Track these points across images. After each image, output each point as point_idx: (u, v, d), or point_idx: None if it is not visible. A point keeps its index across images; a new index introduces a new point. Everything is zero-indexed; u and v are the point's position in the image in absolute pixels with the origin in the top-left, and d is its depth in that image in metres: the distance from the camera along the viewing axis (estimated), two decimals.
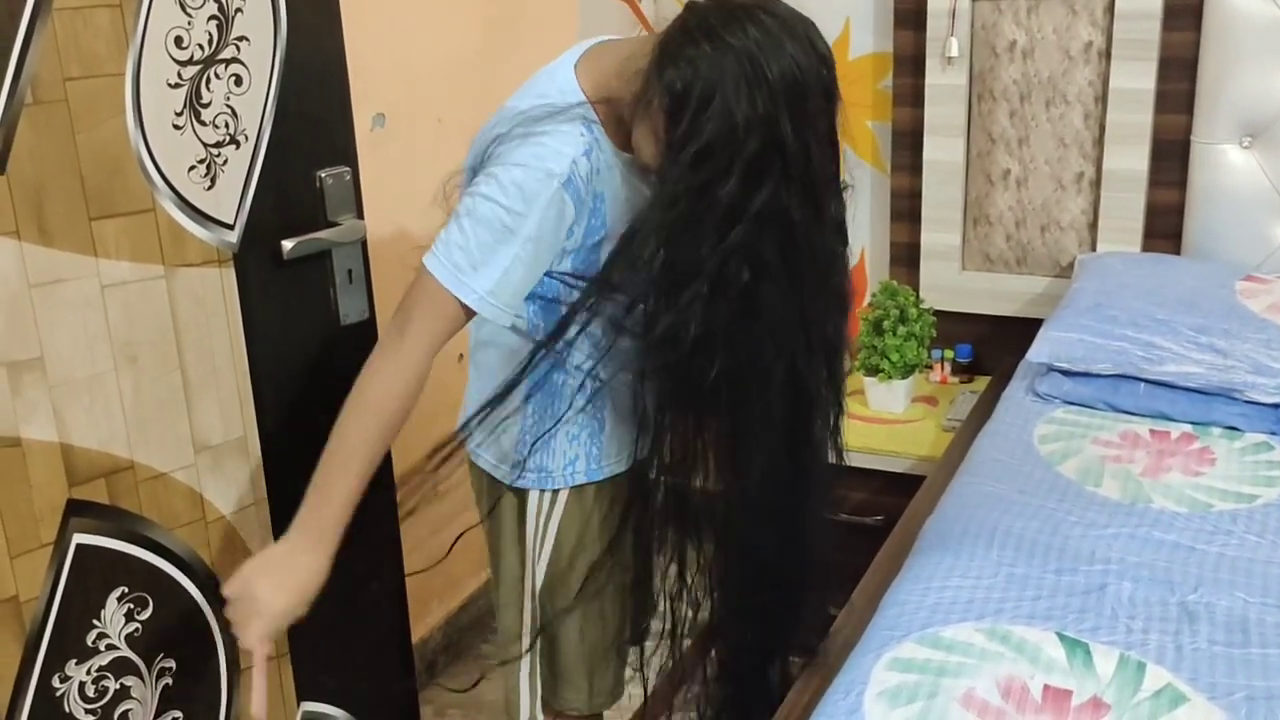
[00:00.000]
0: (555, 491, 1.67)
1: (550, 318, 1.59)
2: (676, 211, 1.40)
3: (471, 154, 1.58)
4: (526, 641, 1.74)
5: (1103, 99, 2.55)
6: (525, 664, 1.75)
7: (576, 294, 1.57)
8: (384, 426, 1.48)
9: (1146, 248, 2.60)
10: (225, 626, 1.71)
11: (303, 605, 1.45)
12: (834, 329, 1.54)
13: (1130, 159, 2.54)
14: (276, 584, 1.43)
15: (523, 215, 1.43)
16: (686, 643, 1.72)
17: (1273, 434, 2.00)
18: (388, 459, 1.93)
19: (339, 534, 1.47)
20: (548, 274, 1.55)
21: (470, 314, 1.47)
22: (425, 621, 2.65)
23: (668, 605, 1.69)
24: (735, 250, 1.40)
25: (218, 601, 1.70)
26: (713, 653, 1.75)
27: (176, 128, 1.55)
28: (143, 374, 1.58)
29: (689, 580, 1.67)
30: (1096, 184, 2.60)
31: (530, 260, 1.47)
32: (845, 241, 1.53)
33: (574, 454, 1.66)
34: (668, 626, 1.70)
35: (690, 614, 1.70)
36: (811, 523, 1.67)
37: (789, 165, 1.38)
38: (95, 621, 1.57)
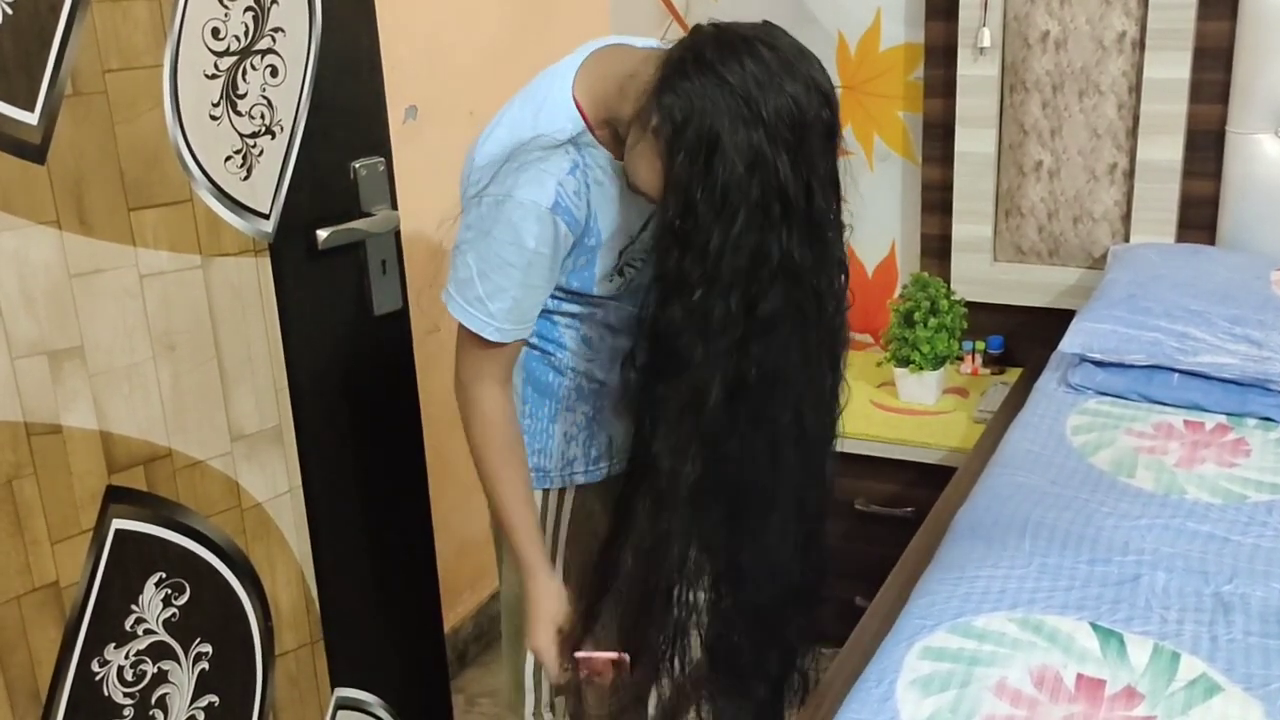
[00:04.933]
0: (561, 490, 1.68)
1: (543, 319, 1.59)
2: (679, 254, 1.38)
3: (466, 167, 1.58)
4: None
5: (1136, 89, 2.53)
6: (530, 660, 1.75)
7: (565, 303, 1.58)
8: (504, 456, 1.57)
9: (1180, 239, 2.58)
10: (263, 614, 1.73)
11: (550, 626, 1.61)
12: (834, 364, 1.53)
13: (1164, 149, 2.52)
14: (529, 627, 1.64)
15: (519, 247, 1.45)
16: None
17: None
18: (419, 446, 1.95)
19: (539, 556, 1.61)
20: None
21: (499, 344, 1.51)
22: (456, 611, 2.66)
23: (681, 598, 1.68)
24: (743, 299, 1.38)
25: (253, 587, 1.72)
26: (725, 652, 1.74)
27: (213, 119, 1.57)
28: (180, 363, 1.60)
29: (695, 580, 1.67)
30: (1130, 175, 2.59)
31: (536, 285, 1.49)
32: (846, 276, 1.49)
33: (571, 454, 1.66)
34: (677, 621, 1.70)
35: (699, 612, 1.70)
36: (811, 530, 1.65)
37: (791, 210, 1.35)
38: (134, 606, 1.59)
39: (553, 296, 1.57)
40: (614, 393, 1.64)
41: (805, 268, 1.39)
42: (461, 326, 1.51)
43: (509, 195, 1.44)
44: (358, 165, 1.75)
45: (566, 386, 1.63)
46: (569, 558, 1.70)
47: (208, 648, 1.68)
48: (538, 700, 1.77)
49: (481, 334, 1.49)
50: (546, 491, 1.68)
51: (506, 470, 1.57)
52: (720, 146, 1.32)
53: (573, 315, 1.60)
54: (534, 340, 1.61)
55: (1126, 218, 2.62)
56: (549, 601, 1.61)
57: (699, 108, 1.33)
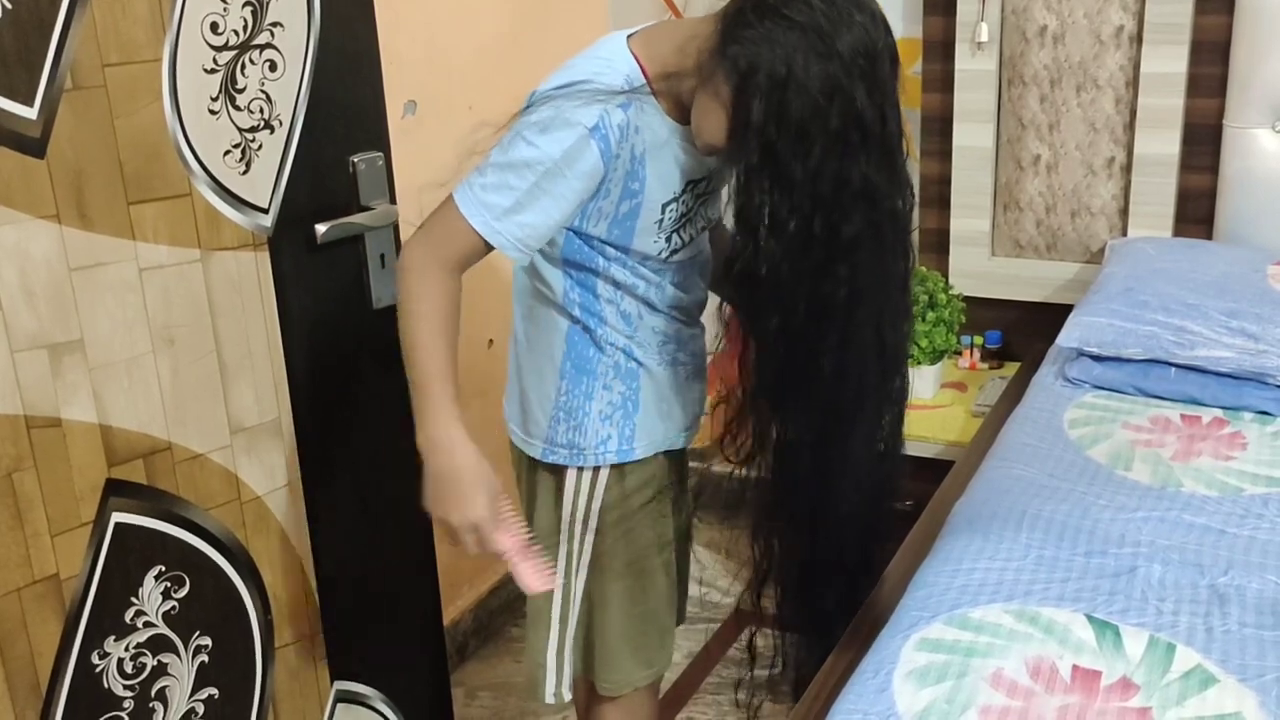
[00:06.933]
0: (595, 469, 1.68)
1: (586, 290, 1.60)
2: (764, 192, 1.42)
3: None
4: (556, 617, 1.75)
5: (1134, 83, 2.54)
6: (553, 641, 1.76)
7: (614, 266, 1.58)
8: (444, 324, 1.50)
9: (1178, 233, 2.59)
10: (262, 607, 1.74)
11: (488, 485, 1.48)
12: (905, 281, 1.56)
13: (1161, 144, 2.53)
14: (455, 500, 1.49)
15: (545, 152, 1.46)
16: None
17: None
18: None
19: (450, 411, 1.49)
20: (583, 240, 1.57)
21: (485, 244, 1.50)
22: (456, 604, 2.67)
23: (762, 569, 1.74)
24: (827, 224, 1.42)
25: (253, 580, 1.73)
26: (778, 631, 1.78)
27: (212, 113, 1.57)
28: (180, 356, 1.60)
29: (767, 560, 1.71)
30: (1127, 169, 2.59)
31: (545, 200, 1.48)
32: (914, 195, 1.54)
33: (606, 433, 1.67)
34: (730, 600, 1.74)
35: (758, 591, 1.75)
36: (884, 506, 1.72)
37: (869, 136, 1.40)
38: (133, 599, 1.60)
39: (595, 251, 1.58)
40: (653, 377, 1.65)
41: (882, 190, 1.43)
42: (452, 210, 1.50)
43: (554, 109, 1.46)
44: (356, 160, 1.76)
45: (605, 363, 1.64)
46: (599, 536, 1.71)
47: (207, 640, 1.69)
48: (559, 681, 1.78)
49: (473, 223, 1.48)
50: (580, 470, 1.69)
51: (441, 335, 1.49)
52: (794, 83, 1.36)
53: (615, 285, 1.61)
54: (576, 313, 1.62)
55: (1124, 212, 2.62)
56: (479, 463, 1.49)
57: (766, 52, 1.37)
